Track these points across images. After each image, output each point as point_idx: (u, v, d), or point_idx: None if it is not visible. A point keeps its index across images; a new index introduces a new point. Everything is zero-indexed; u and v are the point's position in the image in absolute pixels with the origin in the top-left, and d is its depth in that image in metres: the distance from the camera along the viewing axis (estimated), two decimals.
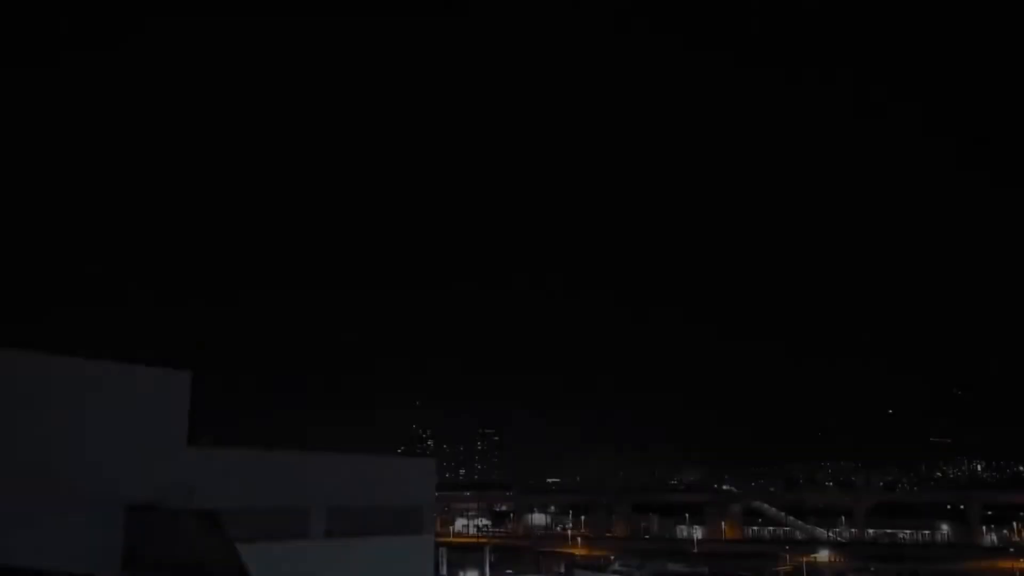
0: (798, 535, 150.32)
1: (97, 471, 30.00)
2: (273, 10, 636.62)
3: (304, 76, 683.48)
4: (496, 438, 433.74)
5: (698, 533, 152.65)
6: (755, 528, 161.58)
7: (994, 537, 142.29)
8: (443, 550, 78.24)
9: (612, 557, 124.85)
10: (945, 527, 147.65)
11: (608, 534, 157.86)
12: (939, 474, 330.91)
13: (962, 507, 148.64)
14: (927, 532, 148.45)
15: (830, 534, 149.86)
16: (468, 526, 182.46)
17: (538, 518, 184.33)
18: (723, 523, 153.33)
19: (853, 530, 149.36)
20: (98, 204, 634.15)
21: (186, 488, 32.08)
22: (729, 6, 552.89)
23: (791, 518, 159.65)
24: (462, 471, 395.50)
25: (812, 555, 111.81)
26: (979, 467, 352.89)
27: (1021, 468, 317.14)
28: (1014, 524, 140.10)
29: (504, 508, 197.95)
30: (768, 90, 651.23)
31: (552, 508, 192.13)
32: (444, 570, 75.09)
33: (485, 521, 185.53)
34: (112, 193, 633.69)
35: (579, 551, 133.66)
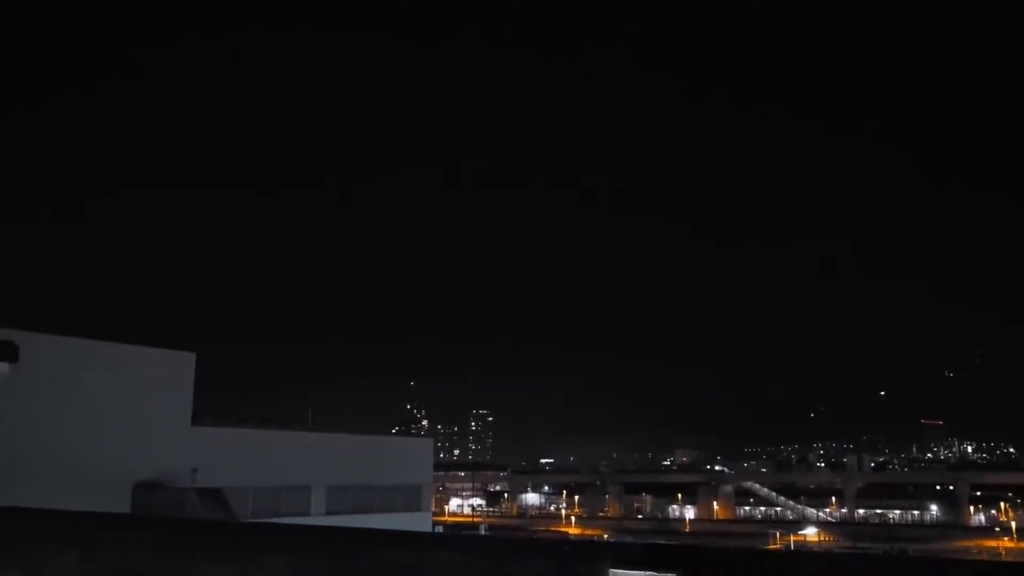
0: (789, 515, 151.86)
1: (106, 450, 30.82)
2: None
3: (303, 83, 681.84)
4: (490, 418, 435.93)
5: (690, 513, 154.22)
6: (747, 508, 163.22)
7: (982, 517, 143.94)
8: (440, 528, 79.29)
9: (605, 536, 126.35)
10: (934, 507, 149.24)
11: (601, 513, 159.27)
12: (930, 455, 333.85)
13: (951, 488, 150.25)
14: (916, 512, 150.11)
15: (820, 514, 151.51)
16: (463, 506, 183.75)
17: (532, 498, 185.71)
18: (715, 503, 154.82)
19: (843, 510, 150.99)
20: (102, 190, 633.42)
21: (190, 466, 32.98)
22: None
23: (782, 498, 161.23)
24: (456, 451, 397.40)
25: (801, 534, 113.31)
26: (969, 449, 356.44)
27: (1011, 450, 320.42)
28: (1001, 504, 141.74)
29: (498, 488, 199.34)
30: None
31: (546, 488, 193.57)
32: None
33: (479, 501, 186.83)
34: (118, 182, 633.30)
35: (573, 530, 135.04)
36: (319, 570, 3.39)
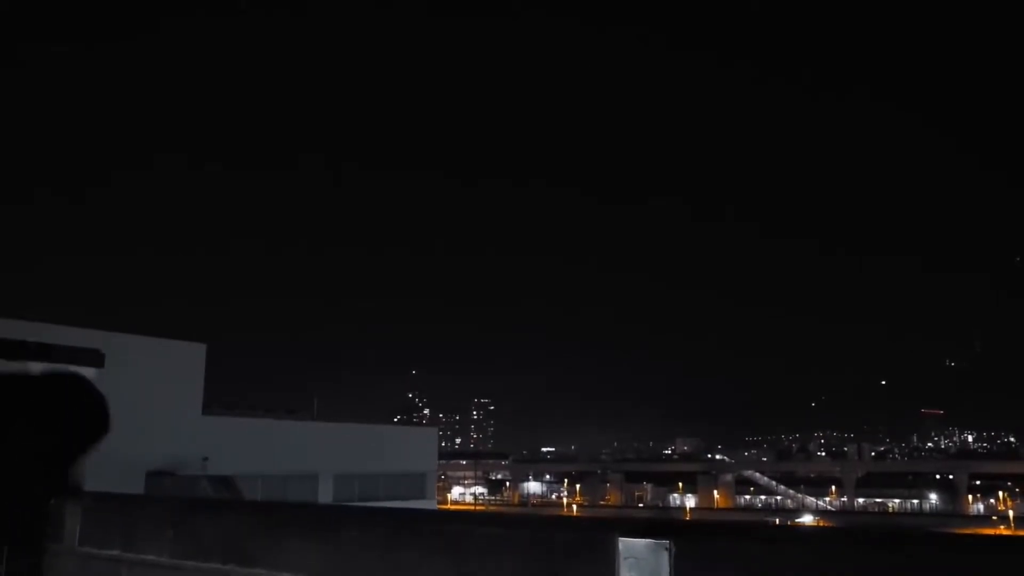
0: (789, 503, 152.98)
1: (119, 438, 31.56)
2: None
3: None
4: (491, 407, 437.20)
5: (690, 501, 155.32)
6: (747, 497, 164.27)
7: (980, 506, 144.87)
8: None
9: None
10: (933, 496, 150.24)
11: (602, 502, 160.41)
12: (930, 445, 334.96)
13: (950, 476, 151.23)
14: (915, 501, 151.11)
15: (820, 503, 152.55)
16: (465, 494, 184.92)
17: (533, 486, 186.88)
18: (715, 492, 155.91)
19: (843, 499, 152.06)
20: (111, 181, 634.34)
21: (201, 455, 33.77)
22: None
23: (782, 487, 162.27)
24: (458, 440, 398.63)
25: (799, 522, 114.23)
26: (970, 438, 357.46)
27: (1011, 439, 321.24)
28: (1000, 493, 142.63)
29: (500, 476, 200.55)
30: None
31: (547, 477, 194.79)
32: None
33: (481, 489, 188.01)
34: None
35: None
36: (389, 540, 4.13)
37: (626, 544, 3.43)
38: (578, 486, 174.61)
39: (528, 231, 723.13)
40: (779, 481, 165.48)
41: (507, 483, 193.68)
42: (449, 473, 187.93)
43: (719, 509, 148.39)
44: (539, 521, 3.95)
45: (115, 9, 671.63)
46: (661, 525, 3.50)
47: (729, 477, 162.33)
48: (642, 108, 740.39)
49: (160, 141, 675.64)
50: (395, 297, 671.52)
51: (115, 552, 5.09)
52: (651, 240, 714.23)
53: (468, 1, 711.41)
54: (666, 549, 3.42)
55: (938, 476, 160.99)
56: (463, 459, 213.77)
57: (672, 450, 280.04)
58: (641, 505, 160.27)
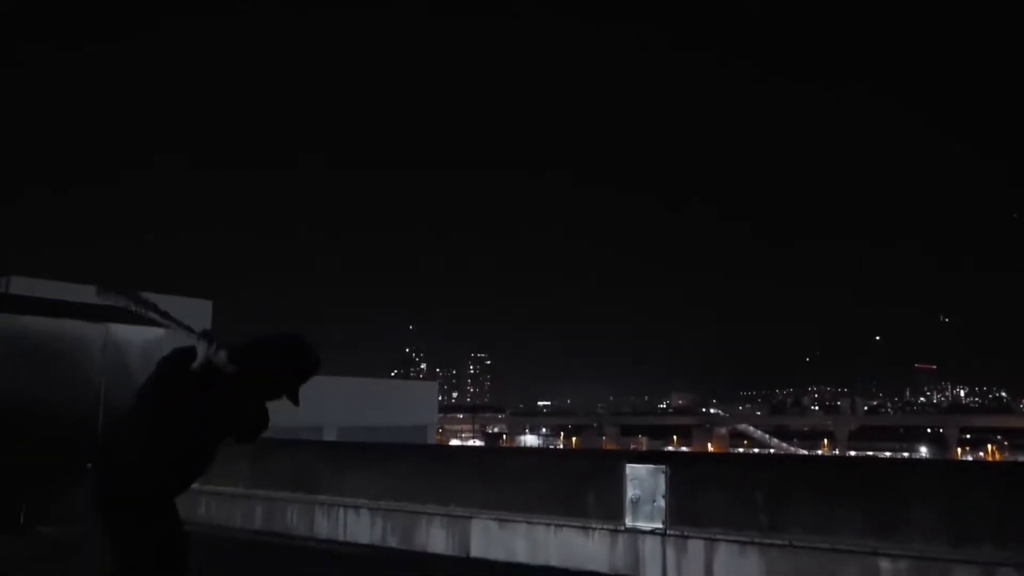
0: None
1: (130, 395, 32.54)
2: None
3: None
4: (488, 362, 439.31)
5: None
6: (741, 450, 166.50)
7: (970, 458, 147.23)
8: None
9: None
10: (923, 449, 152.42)
11: None
12: (923, 400, 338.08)
13: (941, 430, 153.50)
14: (906, 454, 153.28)
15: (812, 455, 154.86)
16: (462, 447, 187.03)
17: (530, 439, 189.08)
18: (710, 445, 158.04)
19: (835, 451, 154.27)
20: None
21: None
22: None
23: (775, 440, 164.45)
24: (455, 394, 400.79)
25: None
26: (962, 393, 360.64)
27: (1003, 394, 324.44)
28: (989, 446, 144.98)
29: (496, 430, 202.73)
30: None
31: (544, 430, 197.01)
32: None
33: (479, 442, 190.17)
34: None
35: None
36: (432, 470, 5.02)
37: (631, 468, 4.41)
38: (574, 439, 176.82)
39: (529, 218, 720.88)
40: (773, 435, 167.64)
41: (504, 436, 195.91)
42: (447, 426, 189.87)
43: None
44: (560, 453, 4.91)
45: (115, 9, 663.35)
46: (659, 455, 4.52)
47: (724, 430, 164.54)
48: (642, 108, 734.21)
49: (160, 141, 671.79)
50: (393, 255, 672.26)
51: (195, 485, 5.93)
52: (652, 231, 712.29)
53: (468, 1, 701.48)
54: (663, 472, 4.43)
55: (929, 430, 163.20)
56: (460, 412, 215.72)
57: (668, 404, 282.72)
58: None
